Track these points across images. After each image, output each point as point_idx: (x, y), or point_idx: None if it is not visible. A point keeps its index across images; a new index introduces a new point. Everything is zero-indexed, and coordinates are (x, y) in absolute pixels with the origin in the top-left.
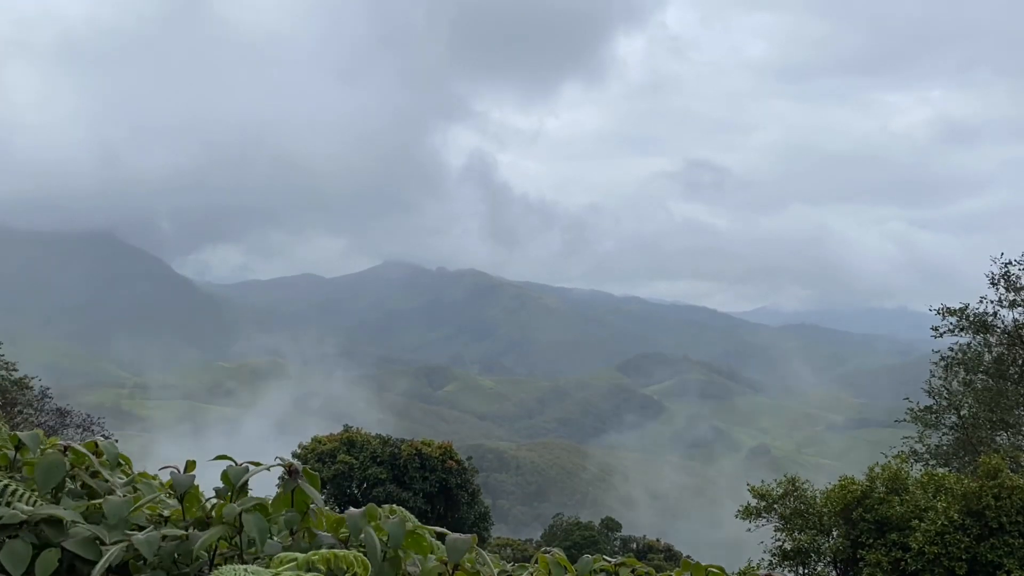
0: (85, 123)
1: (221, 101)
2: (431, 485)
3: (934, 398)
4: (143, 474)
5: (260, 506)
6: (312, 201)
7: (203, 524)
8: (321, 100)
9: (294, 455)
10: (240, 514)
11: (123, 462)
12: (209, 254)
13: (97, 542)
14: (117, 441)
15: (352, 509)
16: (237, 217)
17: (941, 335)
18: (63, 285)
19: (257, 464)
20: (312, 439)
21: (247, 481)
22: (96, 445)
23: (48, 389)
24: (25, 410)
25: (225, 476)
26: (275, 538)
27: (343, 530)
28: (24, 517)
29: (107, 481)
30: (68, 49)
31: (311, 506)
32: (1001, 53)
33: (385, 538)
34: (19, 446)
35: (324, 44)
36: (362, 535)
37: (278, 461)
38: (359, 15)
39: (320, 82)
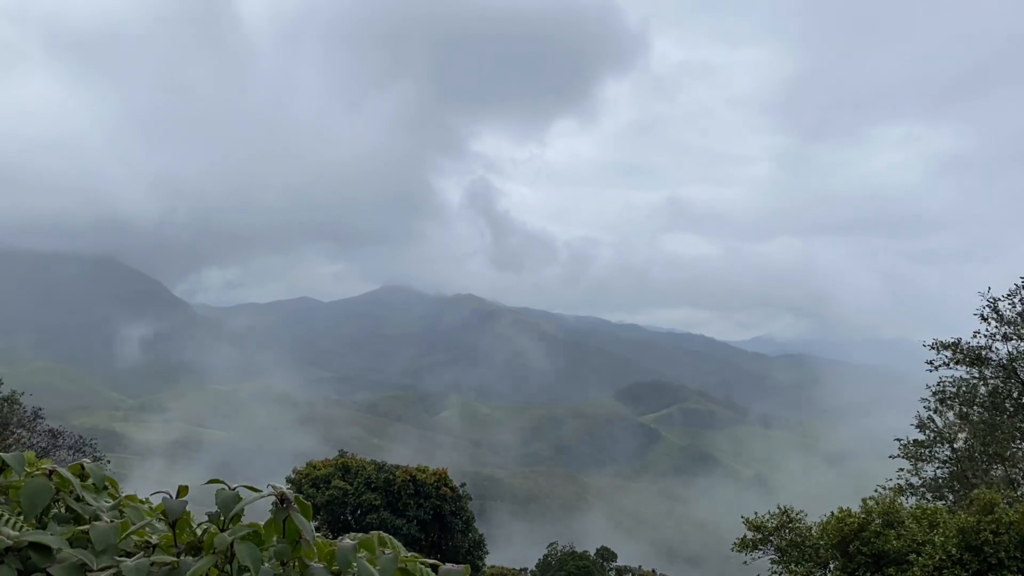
0: (90, 145)
1: (224, 130)
2: (425, 512)
3: (925, 432)
4: (131, 497)
5: (253, 534)
6: (310, 227)
7: (194, 550)
8: (322, 130)
9: (288, 480)
10: (232, 543)
11: (110, 485)
12: (207, 277)
13: (84, 568)
14: (109, 463)
15: (344, 541)
16: (235, 241)
17: (936, 368)
18: (61, 306)
19: (250, 488)
20: (307, 464)
21: (238, 507)
22: (82, 467)
23: (41, 410)
24: (17, 431)
25: (219, 501)
26: (266, 564)
27: (335, 562)
28: (10, 543)
29: (91, 505)
30: (78, 73)
31: (303, 536)
32: (988, 86)
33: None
34: (3, 468)
35: (327, 78)
36: (353, 568)
37: (270, 488)
38: (362, 52)
39: (322, 113)
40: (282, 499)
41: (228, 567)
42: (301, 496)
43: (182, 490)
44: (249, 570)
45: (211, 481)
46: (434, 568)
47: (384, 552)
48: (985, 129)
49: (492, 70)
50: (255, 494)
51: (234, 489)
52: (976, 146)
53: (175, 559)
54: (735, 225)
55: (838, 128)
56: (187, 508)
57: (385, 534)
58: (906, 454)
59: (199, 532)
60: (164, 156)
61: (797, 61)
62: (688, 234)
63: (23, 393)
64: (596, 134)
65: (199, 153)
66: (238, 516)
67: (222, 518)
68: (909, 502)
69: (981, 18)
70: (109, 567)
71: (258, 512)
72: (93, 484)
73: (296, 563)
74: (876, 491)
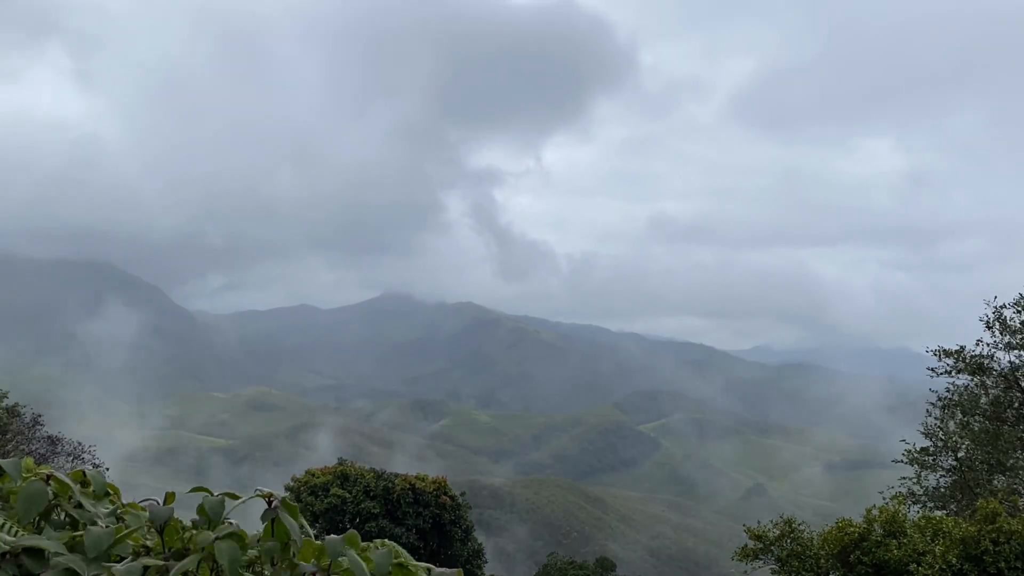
0: (90, 153)
1: (225, 139)
2: (424, 521)
3: (931, 440)
4: (132, 504)
5: (234, 535)
6: (311, 235)
7: (182, 555)
8: (324, 141)
9: (287, 488)
10: (213, 542)
11: (111, 492)
12: (207, 284)
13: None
14: (108, 470)
15: (332, 535)
16: (234, 248)
17: (938, 375)
18: (59, 312)
19: (232, 496)
20: (305, 472)
21: (226, 513)
22: (84, 474)
23: (40, 416)
24: (16, 438)
25: (201, 509)
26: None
27: (324, 559)
28: (6, 548)
29: (89, 511)
30: (82, 78)
31: (291, 537)
32: (975, 100)
33: (372, 569)
34: (1, 474)
35: (328, 89)
36: (343, 560)
37: (257, 492)
38: (364, 65)
39: (325, 124)
40: (268, 501)
41: (215, 567)
42: (293, 501)
43: (169, 497)
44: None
45: (194, 489)
46: (427, 571)
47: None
48: (973, 141)
49: (492, 85)
50: (237, 500)
51: (216, 495)
52: (968, 158)
53: (164, 562)
54: (733, 235)
55: (833, 138)
56: (176, 515)
57: (389, 542)
58: (911, 460)
59: (187, 537)
60: (165, 163)
61: (788, 74)
62: (686, 244)
63: (25, 406)
64: (594, 146)
65: (201, 160)
66: (223, 519)
67: (207, 524)
68: (912, 511)
69: (977, 24)
70: (100, 572)
71: (256, 520)
72: (94, 491)
73: (286, 563)
74: (884, 500)
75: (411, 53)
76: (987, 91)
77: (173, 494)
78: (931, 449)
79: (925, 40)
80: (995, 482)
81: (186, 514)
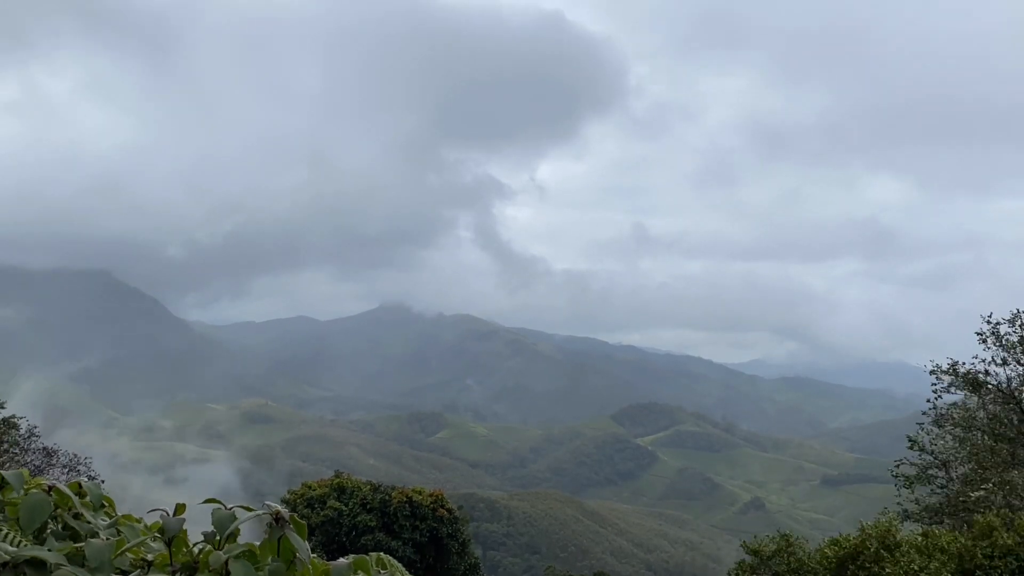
0: (89, 162)
1: (225, 153)
2: (421, 534)
3: (921, 456)
4: (127, 516)
5: (248, 553)
6: (310, 248)
7: (190, 569)
8: (323, 156)
9: (284, 500)
10: (227, 561)
11: (107, 504)
12: (205, 296)
13: None
14: (103, 482)
15: (340, 560)
16: (234, 261)
17: (940, 396)
18: (56, 323)
19: (247, 508)
20: (302, 484)
21: (232, 527)
22: (80, 486)
23: (36, 428)
24: (11, 449)
25: (215, 520)
26: None
27: None
28: (7, 558)
29: (90, 523)
30: (89, 89)
31: (297, 555)
32: (964, 120)
33: None
34: (2, 485)
35: (330, 103)
36: None
37: (266, 507)
38: (364, 82)
39: (324, 139)
40: (277, 518)
41: None
42: (296, 515)
43: (179, 508)
44: None
45: (207, 501)
46: None
47: (381, 573)
48: (980, 151)
49: (492, 104)
50: (250, 513)
51: (230, 509)
52: (958, 175)
53: None
54: (728, 250)
55: (831, 152)
56: (183, 527)
57: (386, 555)
58: (900, 480)
59: (195, 551)
60: (164, 176)
61: (779, 92)
62: (683, 259)
63: (22, 417)
64: (589, 162)
65: (200, 174)
66: (234, 535)
67: (218, 537)
68: (907, 527)
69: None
70: None
71: (253, 532)
72: (91, 503)
73: None
74: (883, 514)
75: (408, 73)
76: (966, 131)
77: (183, 505)
78: (922, 465)
79: (915, 63)
80: (992, 497)
81: (189, 526)
